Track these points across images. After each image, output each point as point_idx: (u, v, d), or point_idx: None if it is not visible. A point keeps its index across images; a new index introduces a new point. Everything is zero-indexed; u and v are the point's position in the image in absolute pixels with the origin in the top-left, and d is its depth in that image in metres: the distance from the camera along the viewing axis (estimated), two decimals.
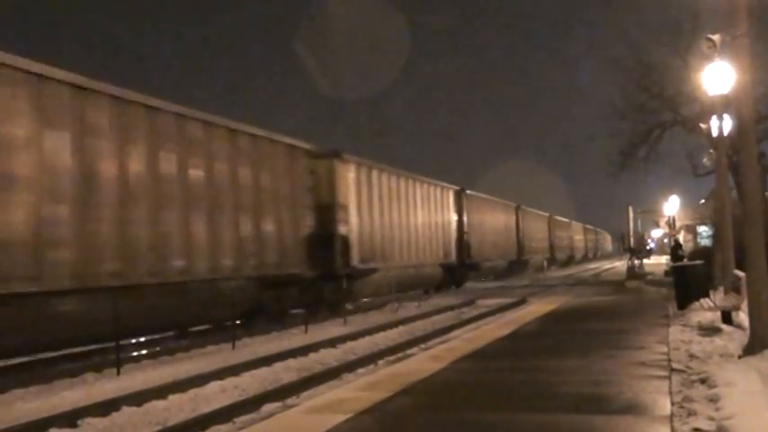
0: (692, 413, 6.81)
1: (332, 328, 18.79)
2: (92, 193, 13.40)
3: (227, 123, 17.71)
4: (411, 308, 24.38)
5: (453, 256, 33.14)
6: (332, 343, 15.71)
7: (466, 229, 35.41)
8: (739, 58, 10.28)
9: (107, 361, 13.15)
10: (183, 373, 12.10)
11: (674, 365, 9.23)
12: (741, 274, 12.31)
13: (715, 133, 18.62)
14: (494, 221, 43.15)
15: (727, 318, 13.47)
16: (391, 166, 28.02)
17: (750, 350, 9.55)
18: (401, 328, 19.09)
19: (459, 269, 34.30)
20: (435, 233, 31.20)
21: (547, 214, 65.36)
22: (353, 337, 16.81)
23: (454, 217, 34.37)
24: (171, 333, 17.11)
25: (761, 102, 22.03)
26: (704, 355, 10.03)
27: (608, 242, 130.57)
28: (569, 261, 76.92)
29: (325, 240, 21.56)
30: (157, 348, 15.51)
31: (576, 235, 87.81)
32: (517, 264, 48.57)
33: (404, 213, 28.01)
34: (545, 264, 60.23)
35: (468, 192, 36.65)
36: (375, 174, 25.88)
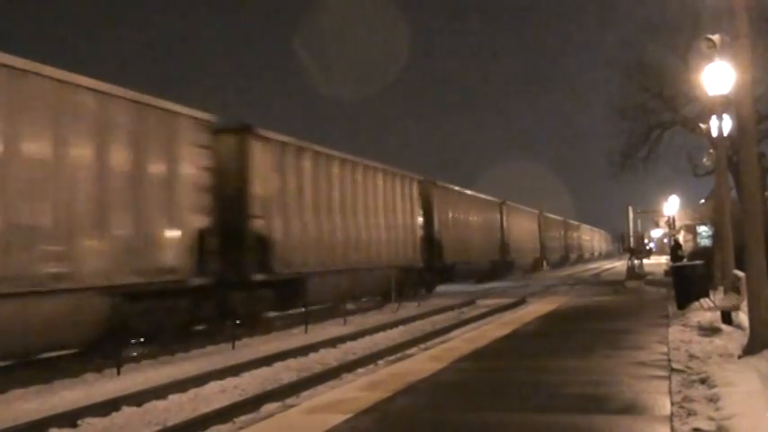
0: (691, 413, 6.82)
1: (332, 328, 18.79)
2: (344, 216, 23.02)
3: (383, 167, 26.36)
4: (411, 308, 24.39)
5: (498, 254, 41.39)
6: (332, 343, 15.70)
7: (505, 233, 43.60)
8: (739, 58, 10.28)
9: (107, 361, 13.14)
10: (182, 373, 12.10)
11: (674, 365, 9.24)
12: (741, 274, 12.31)
13: (715, 133, 18.61)
14: (524, 226, 51.64)
15: (726, 318, 13.47)
16: (461, 187, 38.17)
17: (750, 350, 9.56)
18: (401, 328, 19.09)
19: (501, 264, 42.32)
20: (487, 237, 39.62)
21: (561, 218, 68.92)
22: (353, 337, 16.81)
23: (497, 224, 42.72)
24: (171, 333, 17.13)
25: (761, 102, 22.05)
26: (704, 355, 10.03)
27: (608, 242, 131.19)
28: (578, 260, 79.85)
29: (428, 243, 30.08)
30: (157, 348, 15.50)
31: (583, 235, 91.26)
32: (540, 261, 57.26)
33: (469, 222, 36.77)
34: (544, 264, 61.05)
35: (507, 203, 44.74)
36: (453, 194, 34.99)
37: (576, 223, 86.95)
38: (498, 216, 44.84)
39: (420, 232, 29.72)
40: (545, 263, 61.32)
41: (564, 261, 71.21)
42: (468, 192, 39.14)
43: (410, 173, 29.42)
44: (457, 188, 36.78)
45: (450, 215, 34.61)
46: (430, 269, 30.63)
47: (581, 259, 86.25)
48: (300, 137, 21.93)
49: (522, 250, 50.76)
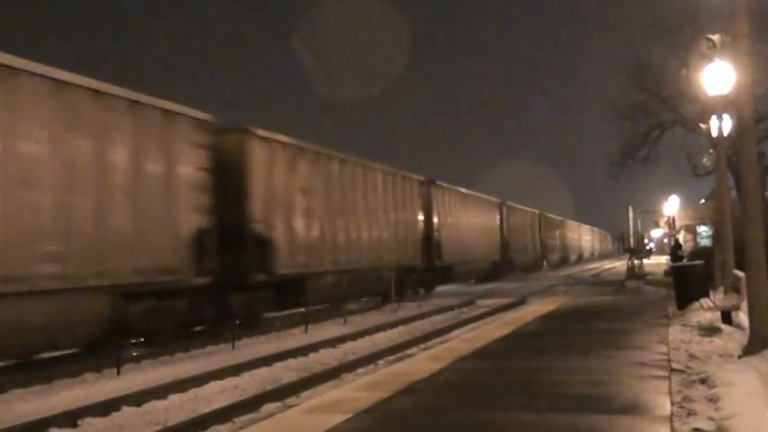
0: (691, 413, 6.82)
1: (332, 328, 18.79)
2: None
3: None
4: (411, 308, 24.39)
5: (419, 258, 33.91)
6: (332, 343, 15.70)
7: (437, 227, 36.33)
8: (739, 59, 10.28)
9: (107, 361, 13.15)
10: (182, 373, 12.10)
11: (674, 365, 9.24)
12: (741, 274, 12.32)
13: (715, 133, 18.62)
14: (475, 220, 47.38)
15: (726, 318, 13.47)
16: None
17: (750, 350, 9.56)
18: (401, 328, 19.09)
19: (426, 272, 36.79)
20: (400, 232, 31.86)
21: (537, 211, 66.86)
22: (353, 337, 16.81)
23: (419, 214, 35.05)
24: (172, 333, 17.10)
25: (761, 102, 22.09)
26: (704, 355, 10.04)
27: (607, 242, 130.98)
28: (561, 263, 77.24)
29: (250, 240, 18.35)
30: (157, 348, 15.50)
31: (569, 233, 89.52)
32: (501, 265, 54.64)
33: (360, 207, 27.59)
34: (544, 264, 60.64)
35: (439, 183, 37.83)
36: (321, 161, 22.43)
37: (558, 218, 72.70)
38: (425, 203, 32.55)
39: (201, 219, 15.85)
40: (544, 263, 59.06)
41: (540, 264, 59.44)
42: (362, 161, 25.62)
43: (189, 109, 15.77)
44: (339, 154, 23.55)
45: (316, 196, 21.42)
46: (263, 286, 18.65)
47: (566, 262, 73.68)
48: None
49: (470, 252, 38.31)
